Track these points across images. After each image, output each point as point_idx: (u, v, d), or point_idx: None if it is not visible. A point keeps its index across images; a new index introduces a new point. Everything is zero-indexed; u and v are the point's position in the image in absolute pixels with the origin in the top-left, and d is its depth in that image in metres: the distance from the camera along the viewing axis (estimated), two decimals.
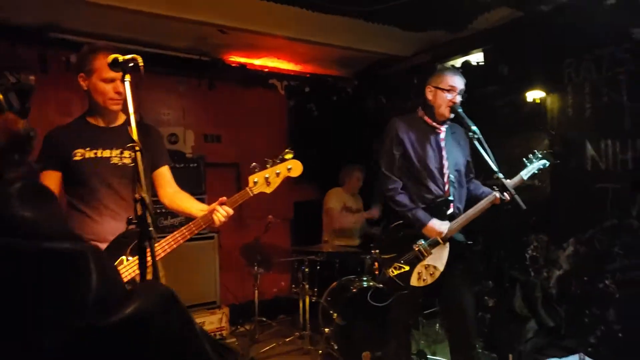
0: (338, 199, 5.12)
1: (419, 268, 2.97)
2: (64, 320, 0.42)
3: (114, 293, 0.46)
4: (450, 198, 3.03)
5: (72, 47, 4.15)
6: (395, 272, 2.98)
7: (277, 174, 2.39)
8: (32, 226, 0.43)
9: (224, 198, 2.34)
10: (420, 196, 3.04)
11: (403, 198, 3.03)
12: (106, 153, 2.37)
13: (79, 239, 0.47)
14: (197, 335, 0.52)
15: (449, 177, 3.05)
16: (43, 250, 0.43)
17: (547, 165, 3.13)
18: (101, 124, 2.44)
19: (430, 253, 2.97)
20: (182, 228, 2.28)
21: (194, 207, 2.44)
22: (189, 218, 2.41)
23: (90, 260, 0.45)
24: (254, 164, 2.38)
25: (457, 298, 3.05)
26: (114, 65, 1.80)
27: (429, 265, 2.97)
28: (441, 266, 2.97)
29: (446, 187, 3.05)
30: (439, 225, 2.94)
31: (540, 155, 3.10)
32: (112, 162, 2.37)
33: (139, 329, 0.46)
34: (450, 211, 3.03)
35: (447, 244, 2.98)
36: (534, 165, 3.07)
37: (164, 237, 2.27)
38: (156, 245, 2.09)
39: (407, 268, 2.97)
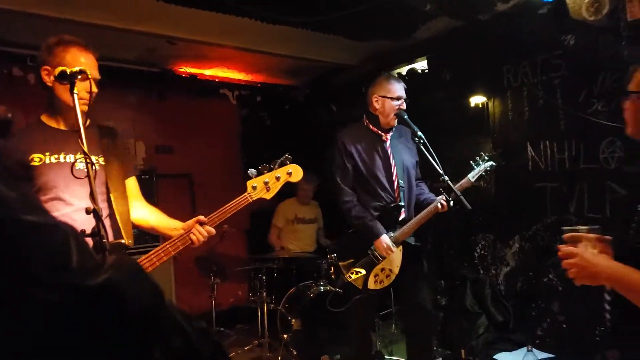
0: (287, 212, 5.15)
1: (375, 271, 3.06)
2: (55, 279, 0.47)
3: (90, 262, 0.52)
4: (401, 204, 3.11)
5: (15, 59, 4.02)
6: (353, 277, 3.05)
7: (277, 179, 2.31)
8: (16, 204, 0.48)
9: (202, 217, 2.16)
10: (372, 205, 3.11)
11: (359, 210, 3.09)
12: (70, 157, 2.12)
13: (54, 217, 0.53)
14: (166, 305, 0.59)
15: (398, 183, 3.13)
16: (28, 221, 0.48)
17: (494, 166, 3.22)
18: (62, 126, 2.16)
19: (385, 257, 3.05)
20: (158, 248, 2.06)
21: (162, 223, 2.25)
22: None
23: (69, 232, 0.51)
24: (251, 169, 2.28)
25: (414, 298, 3.14)
26: (62, 77, 1.72)
27: (384, 268, 3.07)
28: (396, 269, 3.08)
29: (396, 194, 3.14)
30: (387, 244, 3.00)
31: (486, 157, 3.20)
32: (77, 167, 2.07)
33: (115, 294, 0.51)
34: (402, 217, 3.12)
35: (400, 248, 3.09)
36: (481, 167, 3.16)
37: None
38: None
39: (363, 272, 3.05)
